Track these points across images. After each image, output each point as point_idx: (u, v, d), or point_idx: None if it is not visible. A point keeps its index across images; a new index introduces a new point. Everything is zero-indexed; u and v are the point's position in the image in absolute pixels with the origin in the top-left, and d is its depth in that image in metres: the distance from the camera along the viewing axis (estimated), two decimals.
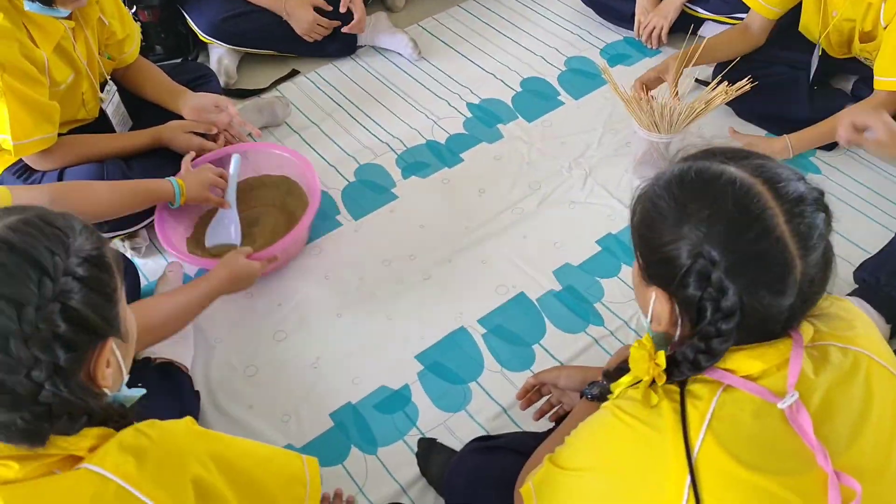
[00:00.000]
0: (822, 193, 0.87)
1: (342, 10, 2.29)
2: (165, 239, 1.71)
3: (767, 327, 0.86)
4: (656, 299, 0.90)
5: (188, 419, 0.89)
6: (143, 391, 0.89)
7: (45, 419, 0.76)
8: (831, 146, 2.01)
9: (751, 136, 2.01)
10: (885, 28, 1.82)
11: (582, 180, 2.01)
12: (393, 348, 1.67)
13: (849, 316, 0.94)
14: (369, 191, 2.01)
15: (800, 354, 0.87)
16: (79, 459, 0.79)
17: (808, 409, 0.84)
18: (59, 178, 1.74)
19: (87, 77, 1.77)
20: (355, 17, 2.29)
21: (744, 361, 0.86)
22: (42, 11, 1.56)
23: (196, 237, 1.84)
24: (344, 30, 2.31)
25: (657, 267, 0.89)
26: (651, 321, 0.93)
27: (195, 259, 1.72)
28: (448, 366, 1.63)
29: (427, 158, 2.09)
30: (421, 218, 1.94)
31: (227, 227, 1.82)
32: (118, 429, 0.83)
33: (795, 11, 2.06)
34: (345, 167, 2.07)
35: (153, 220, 1.76)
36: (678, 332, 0.90)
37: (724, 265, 0.82)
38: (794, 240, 0.82)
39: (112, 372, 0.82)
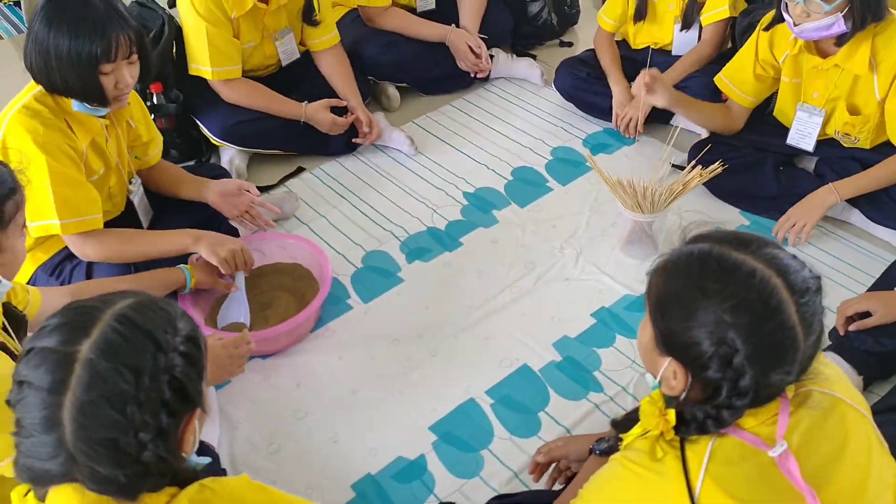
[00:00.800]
0: (819, 278, 0.99)
1: (364, 129, 2.53)
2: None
3: (769, 396, 0.98)
4: (670, 368, 1.00)
5: (245, 476, 1.00)
6: (209, 459, 1.00)
7: (142, 477, 0.87)
8: None
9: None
10: (884, 100, 2.01)
11: (574, 259, 2.16)
12: (407, 421, 1.77)
13: (823, 368, 1.06)
14: (376, 276, 2.15)
15: (787, 410, 0.99)
16: None
17: (791, 449, 0.96)
18: (88, 276, 1.87)
19: (117, 172, 1.93)
20: (373, 134, 2.53)
21: (740, 419, 0.98)
22: (87, 111, 1.74)
23: (212, 316, 1.98)
24: (359, 141, 2.54)
25: (678, 345, 0.98)
26: (661, 384, 1.04)
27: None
28: (460, 435, 1.73)
29: (429, 244, 2.25)
30: (426, 299, 2.07)
31: (237, 309, 1.96)
32: (183, 487, 0.94)
33: (767, 98, 2.28)
34: (352, 255, 2.22)
35: None
36: (685, 395, 1.01)
37: (745, 352, 0.93)
38: (802, 326, 0.94)
39: (193, 440, 0.94)
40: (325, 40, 2.59)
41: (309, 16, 2.51)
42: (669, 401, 1.03)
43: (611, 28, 2.67)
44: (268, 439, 1.75)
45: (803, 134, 2.20)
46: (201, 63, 2.39)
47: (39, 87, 1.72)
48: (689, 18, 2.54)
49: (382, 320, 2.02)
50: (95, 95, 1.70)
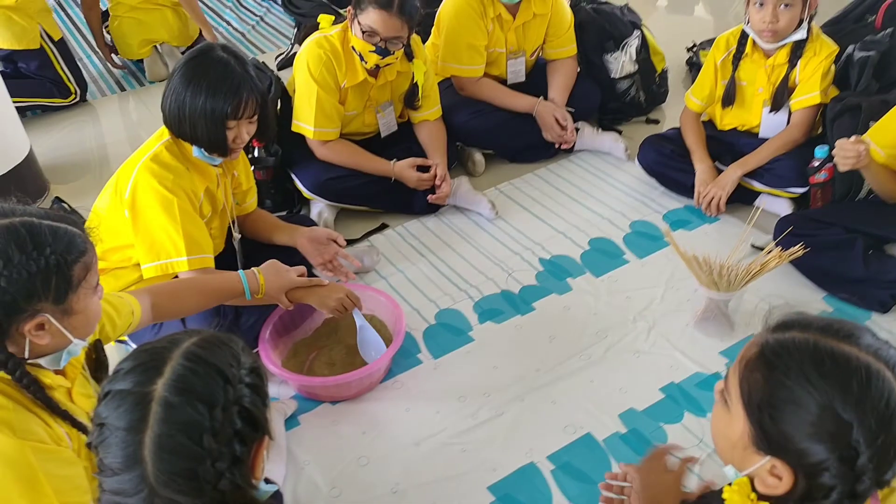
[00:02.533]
0: None
1: (437, 183, 2.60)
2: (267, 358, 1.95)
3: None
4: (767, 466, 0.95)
5: None
6: (276, 486, 1.05)
7: None
8: (887, 307, 2.13)
9: None
10: None
11: (646, 332, 2.16)
12: (467, 479, 1.78)
13: None
14: (448, 333, 2.20)
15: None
16: None
17: None
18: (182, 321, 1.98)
19: (222, 216, 2.09)
20: (441, 191, 2.60)
21: None
22: (205, 159, 1.92)
23: (290, 358, 2.07)
24: (430, 199, 2.62)
25: (788, 449, 0.92)
26: (753, 480, 0.97)
27: (293, 376, 1.96)
28: (518, 498, 1.73)
29: (502, 306, 2.29)
30: (495, 359, 2.10)
31: (374, 343, 2.05)
32: None
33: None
34: (426, 311, 2.28)
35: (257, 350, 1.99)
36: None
37: (868, 454, 0.88)
38: None
39: (262, 467, 1.00)
40: (429, 114, 2.72)
41: (411, 101, 2.66)
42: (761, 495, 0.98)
43: (698, 108, 2.70)
44: (330, 483, 1.79)
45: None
46: (305, 122, 2.55)
47: (167, 138, 1.91)
48: (778, 102, 2.55)
49: (450, 377, 2.06)
50: (219, 147, 1.89)
